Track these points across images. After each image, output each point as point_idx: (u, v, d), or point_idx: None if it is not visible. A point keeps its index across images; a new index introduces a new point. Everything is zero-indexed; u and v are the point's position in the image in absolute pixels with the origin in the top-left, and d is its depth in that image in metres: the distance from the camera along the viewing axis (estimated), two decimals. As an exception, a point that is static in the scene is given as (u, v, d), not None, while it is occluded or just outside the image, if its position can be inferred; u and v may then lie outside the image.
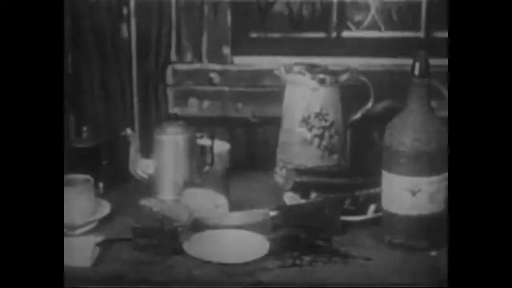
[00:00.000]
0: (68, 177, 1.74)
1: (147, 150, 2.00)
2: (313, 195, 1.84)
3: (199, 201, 1.77)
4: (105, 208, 1.80)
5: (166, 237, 1.61)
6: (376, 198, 1.72)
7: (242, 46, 2.17)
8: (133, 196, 1.84)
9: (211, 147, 1.93)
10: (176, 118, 1.91)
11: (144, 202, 1.73)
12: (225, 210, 1.75)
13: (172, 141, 1.87)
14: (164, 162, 1.87)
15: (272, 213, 1.69)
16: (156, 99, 2.14)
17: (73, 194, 1.73)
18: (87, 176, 1.80)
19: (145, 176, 1.89)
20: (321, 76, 1.96)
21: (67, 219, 1.62)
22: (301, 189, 1.87)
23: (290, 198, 1.84)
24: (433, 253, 1.58)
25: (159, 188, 1.88)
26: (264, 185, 1.90)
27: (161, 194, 1.87)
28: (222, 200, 1.76)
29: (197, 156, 1.90)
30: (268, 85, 2.11)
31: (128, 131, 1.88)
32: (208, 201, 1.77)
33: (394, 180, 1.59)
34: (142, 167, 1.88)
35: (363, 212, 1.77)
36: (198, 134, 1.91)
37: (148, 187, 1.89)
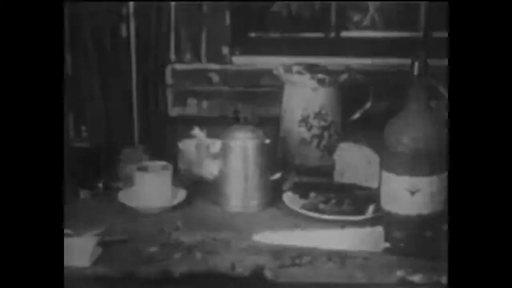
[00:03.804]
0: (147, 163, 1.86)
1: (147, 149, 2.01)
2: (312, 194, 1.84)
3: (352, 156, 1.83)
4: (181, 194, 1.85)
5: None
6: (375, 198, 1.72)
7: (241, 46, 2.17)
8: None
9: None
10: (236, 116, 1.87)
11: None
12: (377, 168, 1.73)
13: (240, 146, 1.83)
14: (231, 167, 1.84)
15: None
16: (155, 99, 2.14)
17: (153, 180, 1.82)
18: (166, 163, 1.85)
19: (210, 177, 1.87)
20: (320, 76, 1.97)
21: (145, 203, 1.79)
22: (301, 189, 1.87)
23: (290, 198, 1.84)
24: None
25: (224, 191, 1.85)
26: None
27: (226, 197, 1.85)
28: (374, 157, 1.76)
29: (265, 162, 1.84)
30: (267, 85, 2.11)
31: (196, 130, 1.87)
32: (361, 157, 1.81)
33: (394, 180, 1.59)
34: (207, 167, 1.87)
35: (363, 212, 1.77)
36: (267, 141, 1.85)
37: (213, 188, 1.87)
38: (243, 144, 1.83)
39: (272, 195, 1.86)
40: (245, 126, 1.86)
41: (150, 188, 1.82)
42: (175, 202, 1.84)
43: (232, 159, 1.84)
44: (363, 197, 1.81)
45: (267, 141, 1.85)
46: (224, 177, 1.85)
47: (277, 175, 1.88)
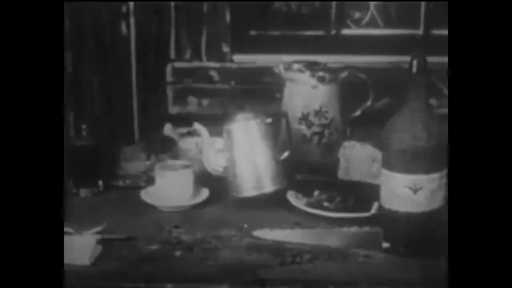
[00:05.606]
0: (169, 162, 1.87)
1: (148, 148, 2.01)
2: (316, 193, 1.84)
3: (356, 154, 1.85)
4: (204, 193, 1.85)
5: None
6: (379, 195, 1.72)
7: (241, 44, 2.17)
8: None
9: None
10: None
11: None
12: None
13: (243, 127, 1.82)
14: (238, 151, 1.82)
15: None
16: (155, 97, 2.15)
17: (174, 178, 1.82)
18: (187, 162, 1.86)
19: (220, 169, 1.85)
20: (321, 73, 1.97)
21: (166, 202, 1.80)
22: (304, 187, 1.87)
23: (293, 196, 1.83)
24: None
25: (235, 178, 1.83)
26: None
27: (238, 184, 1.82)
28: (378, 155, 1.76)
29: (271, 141, 1.83)
30: (267, 83, 2.11)
31: (196, 125, 1.87)
32: (365, 155, 1.83)
33: (395, 178, 1.59)
34: (214, 161, 1.85)
35: (368, 209, 1.76)
36: (269, 120, 1.84)
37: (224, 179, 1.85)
38: (246, 126, 1.82)
39: (284, 174, 1.84)
40: (245, 112, 1.86)
41: (171, 187, 1.82)
42: (198, 200, 1.83)
43: (238, 143, 1.82)
44: (368, 194, 1.81)
45: (269, 120, 1.84)
46: (233, 163, 1.83)
47: (286, 154, 1.87)
